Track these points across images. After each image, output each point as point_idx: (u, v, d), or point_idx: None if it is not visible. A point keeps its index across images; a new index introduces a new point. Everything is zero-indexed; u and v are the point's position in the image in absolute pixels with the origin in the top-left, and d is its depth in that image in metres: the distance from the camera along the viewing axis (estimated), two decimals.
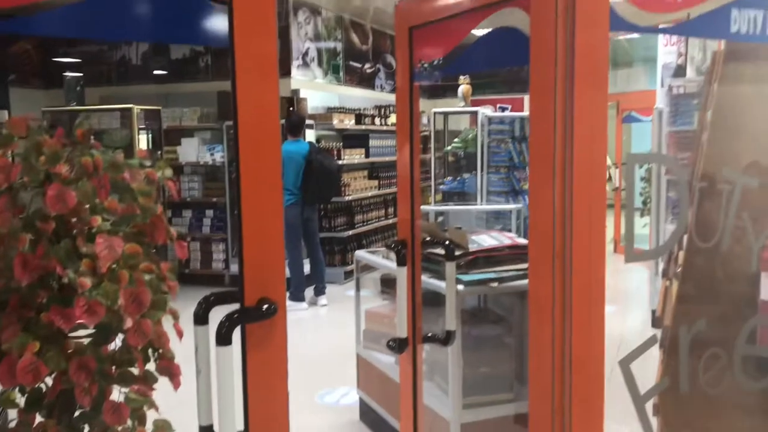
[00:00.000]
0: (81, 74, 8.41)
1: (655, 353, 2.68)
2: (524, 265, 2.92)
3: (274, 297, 1.53)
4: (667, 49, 6.88)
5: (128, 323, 1.66)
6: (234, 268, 7.81)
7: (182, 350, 1.82)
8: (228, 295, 1.58)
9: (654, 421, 2.37)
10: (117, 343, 1.79)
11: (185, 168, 8.44)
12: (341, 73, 9.98)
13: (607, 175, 11.42)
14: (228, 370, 1.45)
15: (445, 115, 8.49)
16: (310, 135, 8.00)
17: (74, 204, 1.57)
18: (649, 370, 2.71)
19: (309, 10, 8.96)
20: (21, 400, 1.71)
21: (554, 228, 1.84)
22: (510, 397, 3.18)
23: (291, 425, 1.57)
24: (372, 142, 9.37)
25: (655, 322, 3.11)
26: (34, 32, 1.48)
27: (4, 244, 1.57)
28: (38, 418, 1.70)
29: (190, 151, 8.28)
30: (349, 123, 9.10)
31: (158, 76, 9.11)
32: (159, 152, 8.02)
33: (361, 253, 4.11)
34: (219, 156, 8.13)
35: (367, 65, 10.76)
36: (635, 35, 10.43)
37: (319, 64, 9.34)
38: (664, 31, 3.64)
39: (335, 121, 8.75)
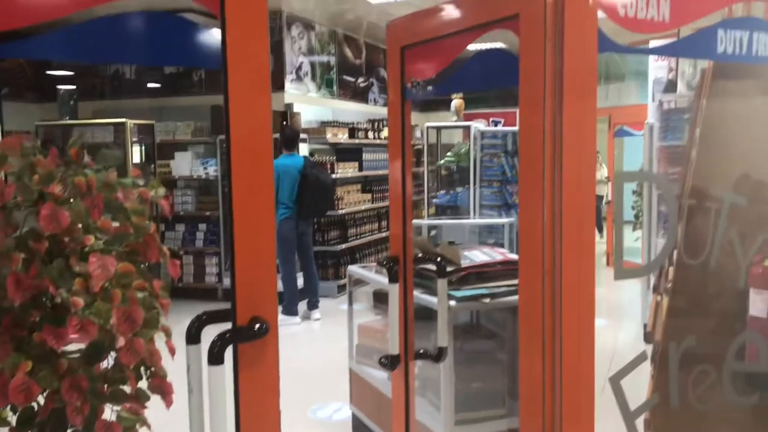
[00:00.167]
0: (74, 87, 8.42)
1: (648, 368, 2.70)
2: (516, 281, 2.93)
3: (266, 316, 1.54)
4: (658, 64, 6.94)
5: (120, 342, 1.66)
6: (227, 281, 7.80)
7: (174, 367, 1.82)
8: (220, 314, 1.59)
9: None
10: (109, 361, 1.79)
11: (178, 182, 8.44)
12: (335, 87, 10.03)
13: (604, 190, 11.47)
14: (220, 389, 1.45)
15: (438, 129, 8.53)
16: (304, 149, 8.02)
17: (67, 224, 1.58)
18: (641, 385, 2.73)
19: (302, 24, 9.01)
20: (13, 419, 1.71)
21: (543, 244, 1.85)
22: (502, 413, 3.18)
23: None
24: (365, 156, 9.41)
25: (647, 337, 3.13)
26: (27, 56, 1.50)
27: None
28: None
29: (183, 165, 8.29)
30: (342, 137, 9.14)
31: (152, 89, 9.13)
32: (152, 166, 8.03)
33: (353, 268, 4.12)
34: (212, 170, 8.14)
35: (360, 79, 10.81)
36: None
37: (313, 78, 9.38)
38: (652, 51, 3.70)
39: (329, 135, 8.78)
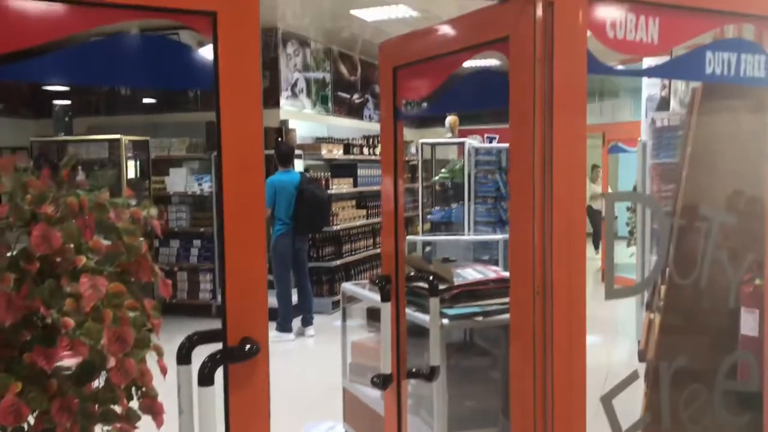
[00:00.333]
0: (69, 103, 8.44)
1: (642, 385, 2.70)
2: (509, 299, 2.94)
3: (257, 336, 1.54)
4: (651, 81, 6.99)
5: (111, 362, 1.66)
6: (221, 298, 7.78)
7: (166, 386, 1.82)
8: (211, 334, 1.59)
9: None
10: (100, 381, 1.79)
11: (173, 198, 8.44)
12: (330, 104, 10.07)
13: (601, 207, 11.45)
14: (210, 410, 1.45)
15: (433, 145, 8.57)
16: (299, 165, 8.04)
17: (59, 244, 1.58)
18: (636, 403, 2.74)
19: (298, 42, 9.06)
20: None
21: (534, 262, 1.86)
22: None
23: None
24: (360, 172, 9.43)
25: (641, 355, 3.14)
26: (21, 78, 1.51)
27: None
28: None
29: (178, 180, 8.30)
30: (337, 153, 9.16)
31: (147, 106, 9.15)
32: (147, 182, 8.04)
33: (347, 285, 4.12)
34: (207, 186, 8.15)
35: (355, 96, 10.86)
36: (621, 67, 10.64)
37: (308, 94, 9.42)
38: (640, 73, 3.73)
39: (324, 152, 8.81)
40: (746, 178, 2.74)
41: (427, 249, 7.76)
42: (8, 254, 1.64)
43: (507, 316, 2.96)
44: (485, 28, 1.95)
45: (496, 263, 6.56)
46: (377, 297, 3.27)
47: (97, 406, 1.74)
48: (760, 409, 2.28)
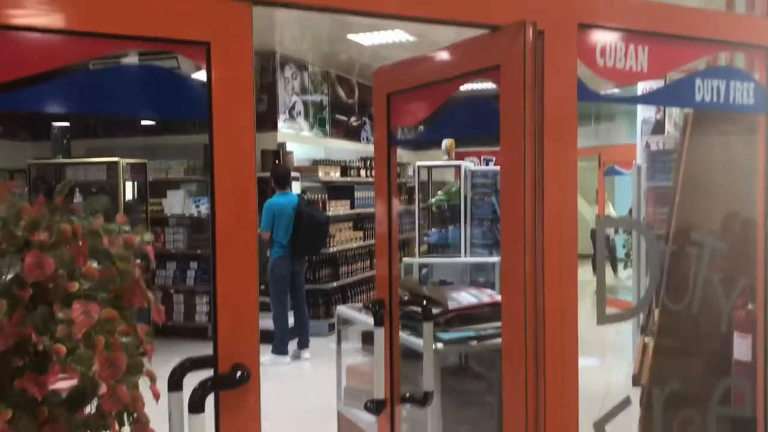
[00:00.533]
0: (68, 125, 8.48)
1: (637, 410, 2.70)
2: None
3: (248, 363, 1.55)
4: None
5: (103, 388, 1.66)
6: None
7: (159, 411, 1.82)
8: (202, 360, 1.60)
9: None
10: (92, 407, 1.78)
11: (170, 220, 8.45)
12: (327, 126, 10.12)
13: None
14: None
15: (429, 168, 8.61)
16: (296, 187, 8.07)
17: (52, 271, 1.59)
18: (632, 429, 2.73)
19: (296, 65, 9.13)
20: None
21: (525, 286, 1.87)
22: None
23: None
24: (357, 194, 9.46)
25: (635, 379, 3.14)
26: (18, 108, 1.53)
27: None
28: None
29: (175, 203, 8.31)
30: (334, 175, 9.20)
31: (146, 128, 9.19)
32: (144, 204, 8.05)
33: (342, 309, 4.12)
34: (204, 208, 8.16)
35: (353, 118, 10.93)
36: (616, 90, 10.73)
37: (306, 117, 9.47)
38: (630, 100, 3.77)
39: (321, 174, 8.84)
40: (738, 203, 2.76)
41: (424, 271, 7.76)
42: (1, 280, 1.65)
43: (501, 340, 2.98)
44: (477, 57, 1.98)
45: (492, 285, 6.56)
46: (372, 321, 3.26)
47: None
48: None
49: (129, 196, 7.94)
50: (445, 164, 8.35)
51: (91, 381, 1.65)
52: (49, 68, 1.41)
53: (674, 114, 6.74)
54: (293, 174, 7.97)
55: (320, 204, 8.38)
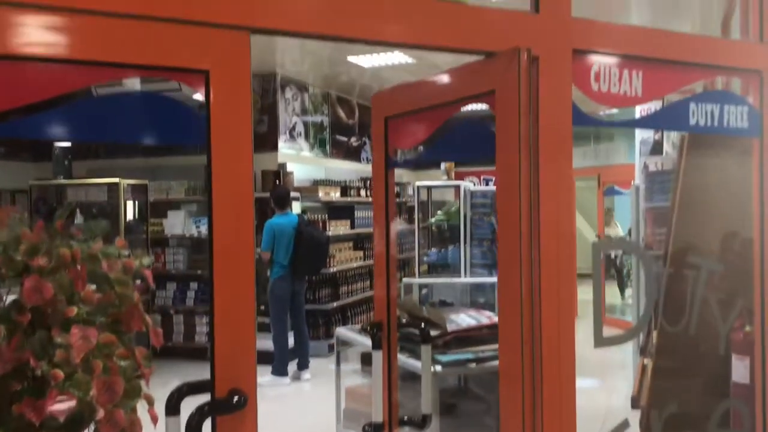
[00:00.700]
0: (69, 146, 8.52)
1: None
2: None
3: (245, 388, 1.55)
4: None
5: (101, 413, 1.66)
6: None
7: None
8: (200, 385, 1.60)
9: None
10: (89, 431, 1.79)
11: (170, 240, 8.46)
12: (328, 147, 10.17)
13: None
14: None
15: (429, 188, 8.64)
16: (296, 207, 8.09)
17: (50, 295, 1.60)
18: None
19: (296, 86, 9.20)
20: None
21: (522, 308, 1.88)
22: None
23: None
24: (357, 214, 9.48)
25: (634, 402, 3.12)
26: (19, 136, 1.55)
27: None
28: None
29: (176, 223, 8.33)
30: (334, 195, 9.22)
31: (147, 149, 9.23)
32: (145, 225, 8.07)
33: (341, 330, 4.12)
34: (205, 228, 8.17)
35: (353, 138, 10.98)
36: (615, 110, 10.79)
37: (306, 137, 9.52)
38: (625, 124, 3.80)
39: (321, 194, 8.87)
40: (734, 225, 2.77)
41: (424, 291, 7.75)
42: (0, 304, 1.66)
43: None
44: (472, 82, 2.00)
45: (492, 306, 6.55)
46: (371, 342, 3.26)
47: None
48: None
49: (130, 216, 7.97)
50: (444, 184, 8.39)
51: (88, 405, 1.65)
52: (49, 96, 1.43)
53: (672, 135, 6.76)
54: (294, 194, 7.99)
55: (320, 224, 8.39)
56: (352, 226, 9.32)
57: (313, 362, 7.49)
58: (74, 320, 1.68)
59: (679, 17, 6.25)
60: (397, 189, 10.76)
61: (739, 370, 2.49)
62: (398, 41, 1.84)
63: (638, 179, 6.14)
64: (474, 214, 7.71)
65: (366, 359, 4.08)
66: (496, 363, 3.04)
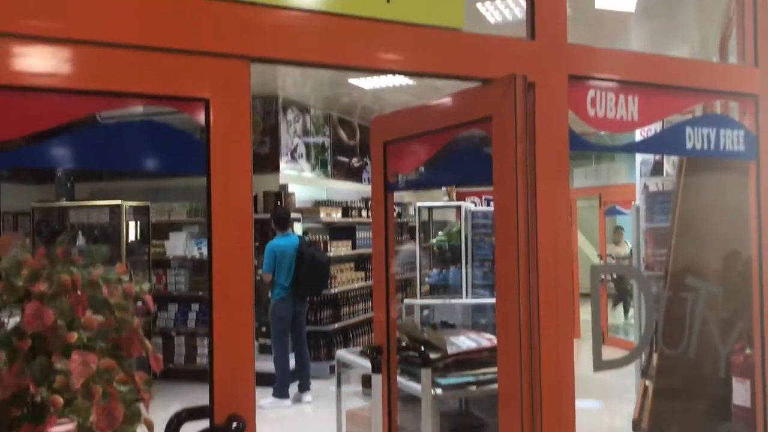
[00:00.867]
0: (72, 168, 8.57)
1: None
2: None
3: (244, 413, 1.56)
4: None
5: None
6: None
7: None
8: (198, 411, 1.61)
9: None
10: None
11: (172, 262, 8.47)
12: (329, 167, 10.21)
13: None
14: None
15: (430, 208, 8.66)
16: (298, 228, 8.10)
17: (51, 321, 1.61)
18: None
19: (298, 108, 9.26)
20: None
21: (520, 330, 1.89)
22: None
23: None
24: (359, 234, 9.48)
25: (634, 425, 3.11)
26: (23, 164, 1.57)
27: None
28: None
29: (177, 245, 8.35)
30: (336, 216, 9.24)
31: (149, 171, 9.27)
32: (146, 246, 8.09)
33: (342, 353, 4.11)
34: (206, 250, 8.17)
35: (354, 159, 11.02)
36: (605, 134, 10.81)
37: (308, 158, 9.56)
38: (622, 149, 3.83)
39: (322, 215, 8.89)
40: (733, 245, 2.78)
41: (425, 312, 7.74)
42: (1, 329, 1.67)
43: None
44: (469, 108, 2.03)
45: (494, 327, 6.53)
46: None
47: None
48: None
49: (132, 237, 7.98)
50: (445, 205, 8.41)
51: (88, 431, 1.66)
52: (52, 126, 1.46)
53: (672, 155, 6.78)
54: (295, 215, 8.01)
55: (322, 245, 8.40)
56: (354, 247, 9.33)
57: (315, 384, 7.46)
58: (74, 346, 1.69)
59: (678, 40, 6.32)
60: (398, 209, 10.78)
61: (740, 393, 2.48)
62: (396, 69, 1.87)
63: (639, 199, 6.15)
64: (475, 235, 7.72)
65: (367, 381, 4.07)
66: (496, 386, 3.03)
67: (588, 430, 1.96)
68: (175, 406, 1.58)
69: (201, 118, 1.57)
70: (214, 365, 1.51)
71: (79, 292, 1.71)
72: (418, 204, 8.45)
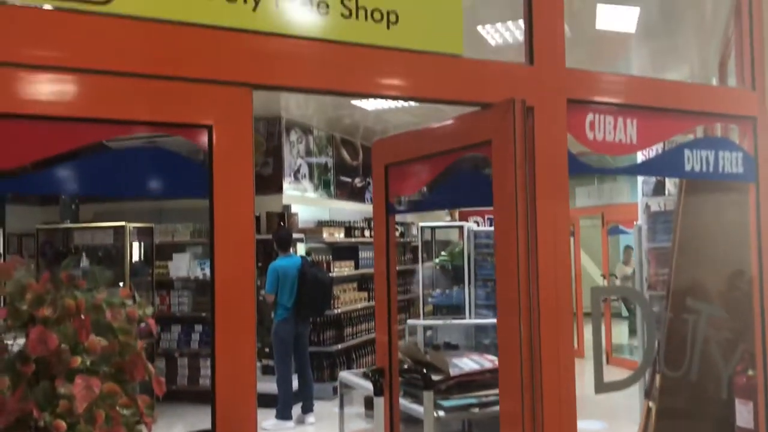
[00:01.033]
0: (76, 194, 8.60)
1: None
2: None
3: None
4: None
5: None
6: None
7: None
8: None
9: None
10: None
11: (175, 283, 8.47)
12: (332, 188, 10.24)
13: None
14: None
15: (433, 228, 8.67)
16: (301, 248, 8.11)
17: (55, 346, 1.63)
18: None
19: (301, 129, 9.32)
20: None
21: (521, 351, 1.89)
22: None
23: None
24: (362, 254, 9.47)
25: None
26: (28, 191, 1.59)
27: None
28: None
29: (181, 265, 8.36)
30: (338, 236, 9.25)
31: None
32: (150, 267, 8.10)
33: (344, 375, 4.11)
34: (209, 271, 8.18)
35: (357, 179, 11.06)
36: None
37: (311, 179, 9.60)
38: (622, 171, 3.85)
39: (325, 235, 8.90)
40: (734, 265, 2.78)
41: (428, 333, 7.71)
42: (5, 354, 1.69)
43: None
44: (469, 132, 2.05)
45: (497, 347, 6.51)
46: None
47: None
48: None
49: (135, 258, 8.00)
50: (448, 225, 8.42)
51: None
52: (56, 153, 1.48)
53: None
54: (298, 235, 8.02)
55: (325, 265, 8.40)
56: (357, 267, 9.32)
57: (318, 405, 7.42)
58: (78, 370, 1.70)
59: (678, 61, 6.35)
60: (401, 229, 10.78)
61: (743, 414, 2.47)
62: (397, 95, 1.89)
63: (641, 219, 6.16)
64: (478, 255, 7.72)
65: (370, 403, 4.06)
66: (498, 408, 3.03)
67: None
68: (179, 428, 1.60)
69: (204, 143, 1.60)
70: (216, 387, 1.52)
71: (82, 317, 1.73)
72: (421, 224, 8.47)
